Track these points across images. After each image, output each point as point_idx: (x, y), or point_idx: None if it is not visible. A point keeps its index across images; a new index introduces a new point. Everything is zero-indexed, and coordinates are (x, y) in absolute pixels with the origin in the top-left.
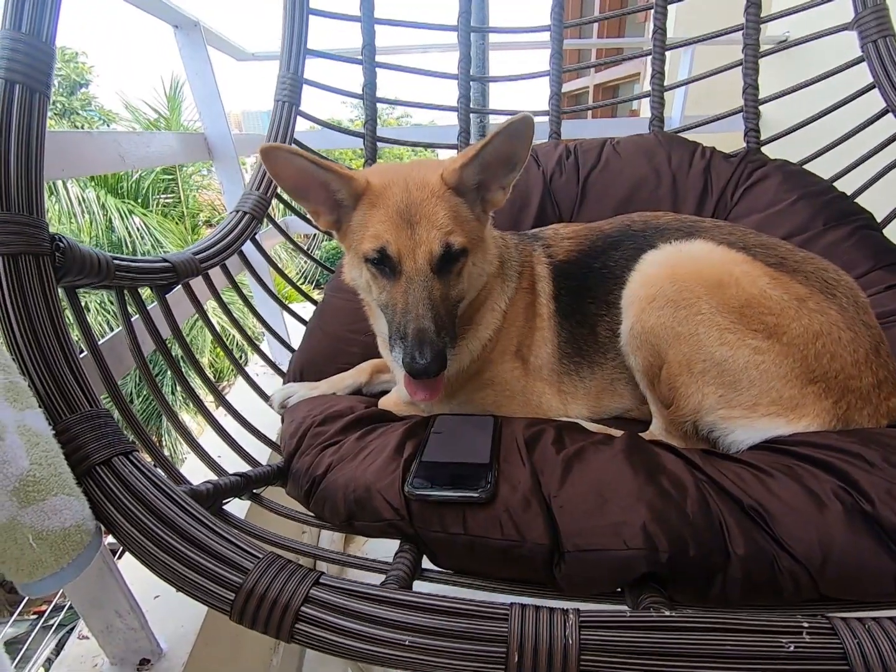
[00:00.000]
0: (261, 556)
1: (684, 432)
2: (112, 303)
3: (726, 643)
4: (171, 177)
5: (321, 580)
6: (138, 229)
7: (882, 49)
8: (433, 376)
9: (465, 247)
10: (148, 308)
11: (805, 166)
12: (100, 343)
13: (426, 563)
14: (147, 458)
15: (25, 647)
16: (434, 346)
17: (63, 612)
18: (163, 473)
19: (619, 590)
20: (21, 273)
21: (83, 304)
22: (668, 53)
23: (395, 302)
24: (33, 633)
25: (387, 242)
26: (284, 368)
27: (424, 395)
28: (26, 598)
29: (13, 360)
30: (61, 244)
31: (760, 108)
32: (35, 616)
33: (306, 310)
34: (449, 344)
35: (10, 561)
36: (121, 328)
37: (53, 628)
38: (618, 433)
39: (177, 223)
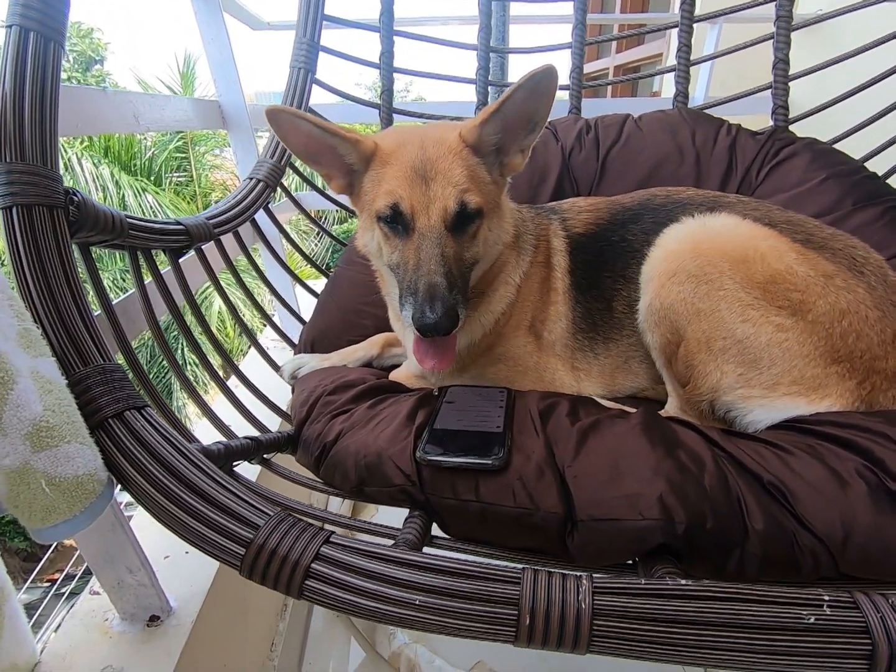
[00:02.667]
0: (272, 513)
1: (700, 412)
2: (125, 280)
3: (743, 613)
4: (183, 155)
5: (332, 539)
6: (151, 207)
7: None
8: (443, 333)
9: (481, 207)
10: (161, 273)
11: (835, 146)
12: (113, 303)
13: (436, 531)
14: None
15: (38, 613)
16: (445, 302)
17: (74, 581)
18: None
19: (630, 562)
20: (35, 224)
21: None
22: (694, 31)
23: (407, 260)
24: (46, 600)
25: (400, 198)
26: (296, 341)
27: (434, 363)
28: (39, 566)
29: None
30: (76, 198)
31: (790, 89)
32: (48, 584)
33: (318, 286)
34: (461, 303)
35: (24, 505)
36: (134, 290)
37: (65, 596)
38: (632, 410)
39: (189, 202)
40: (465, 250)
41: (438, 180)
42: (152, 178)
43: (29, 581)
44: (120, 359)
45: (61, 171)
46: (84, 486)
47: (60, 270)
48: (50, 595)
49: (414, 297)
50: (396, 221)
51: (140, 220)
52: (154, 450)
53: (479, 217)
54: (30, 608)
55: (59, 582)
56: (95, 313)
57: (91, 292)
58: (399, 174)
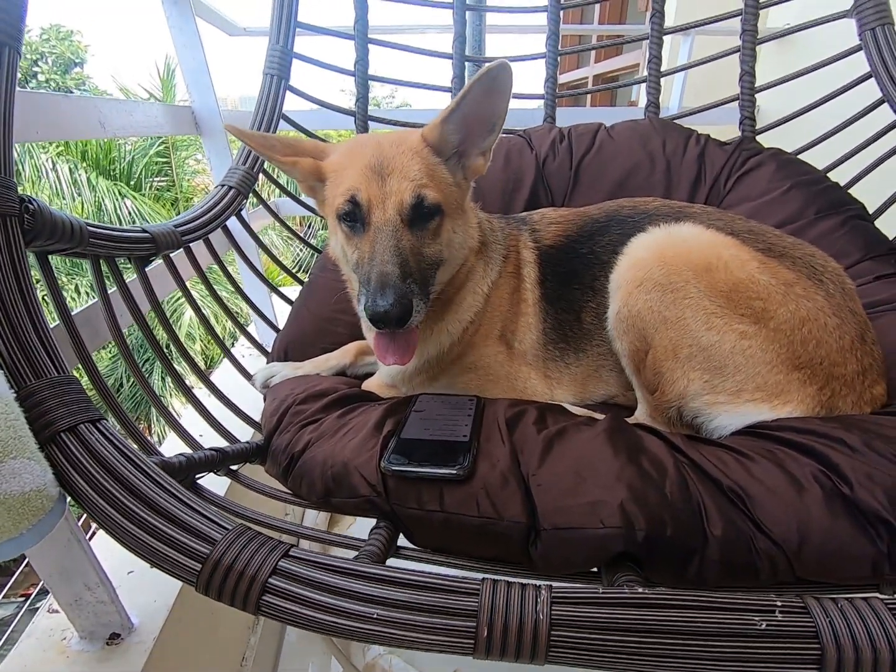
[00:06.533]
0: (229, 527)
1: (669, 418)
2: (90, 291)
3: (699, 620)
4: (164, 160)
5: (291, 552)
6: (130, 213)
7: (880, 38)
8: (396, 324)
9: (440, 203)
10: (127, 283)
11: (800, 156)
12: (74, 313)
13: (403, 543)
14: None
15: (11, 629)
16: (397, 290)
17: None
18: (133, 444)
19: (594, 570)
20: None
21: None
22: (667, 45)
23: (363, 254)
24: (19, 615)
25: (356, 191)
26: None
27: (395, 359)
28: (12, 581)
29: None
30: (31, 206)
31: (758, 101)
32: (22, 598)
33: (296, 294)
34: (417, 293)
35: None
36: (97, 300)
37: (40, 612)
38: (601, 417)
39: (170, 208)
40: (426, 246)
41: (395, 175)
42: (132, 184)
43: (0, 595)
44: (106, 369)
45: (35, 176)
46: (31, 502)
47: (13, 280)
48: (23, 610)
49: (367, 288)
50: (354, 219)
51: (102, 227)
52: (107, 463)
53: (440, 214)
54: (3, 624)
55: (33, 597)
56: (55, 325)
57: (50, 303)
58: (356, 173)
